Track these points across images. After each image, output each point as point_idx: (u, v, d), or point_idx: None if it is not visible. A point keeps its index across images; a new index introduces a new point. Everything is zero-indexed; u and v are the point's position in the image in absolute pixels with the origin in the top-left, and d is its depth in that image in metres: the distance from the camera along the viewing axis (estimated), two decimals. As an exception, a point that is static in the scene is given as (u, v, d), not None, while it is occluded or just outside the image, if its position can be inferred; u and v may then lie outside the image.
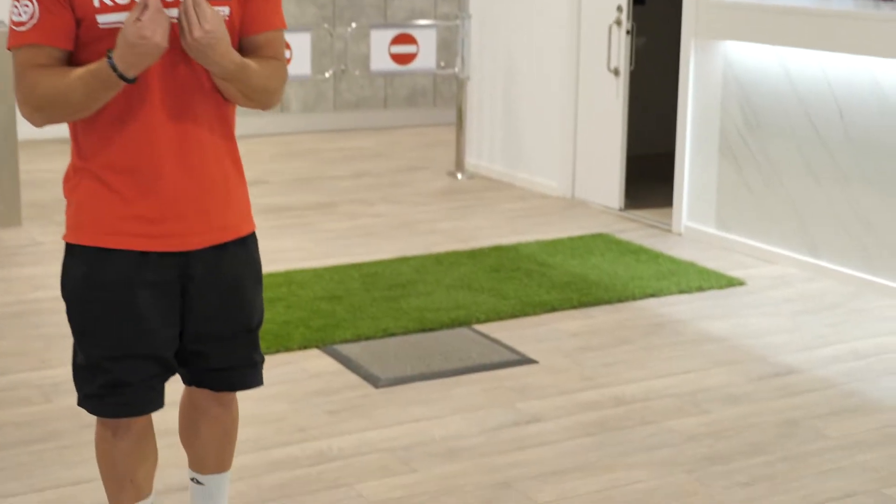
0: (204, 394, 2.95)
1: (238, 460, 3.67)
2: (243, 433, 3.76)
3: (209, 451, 3.02)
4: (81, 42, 2.59)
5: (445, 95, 10.42)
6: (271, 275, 5.66)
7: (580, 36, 7.34)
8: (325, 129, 10.02)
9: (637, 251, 6.22)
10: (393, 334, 4.94)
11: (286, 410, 4.17)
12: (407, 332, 4.97)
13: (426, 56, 8.13)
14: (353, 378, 4.48)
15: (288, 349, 4.75)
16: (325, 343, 4.82)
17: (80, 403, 2.80)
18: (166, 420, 3.88)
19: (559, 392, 4.37)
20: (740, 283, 5.72)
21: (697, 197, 6.55)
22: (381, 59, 8.04)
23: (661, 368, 4.61)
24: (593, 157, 7.36)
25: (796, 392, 4.39)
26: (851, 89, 5.64)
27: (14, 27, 2.57)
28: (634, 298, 5.46)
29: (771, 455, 3.86)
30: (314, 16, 9.68)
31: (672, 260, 6.07)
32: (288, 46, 7.62)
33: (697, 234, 6.55)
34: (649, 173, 7.68)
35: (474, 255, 6.11)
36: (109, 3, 2.55)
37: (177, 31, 2.58)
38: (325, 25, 8.65)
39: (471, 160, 8.36)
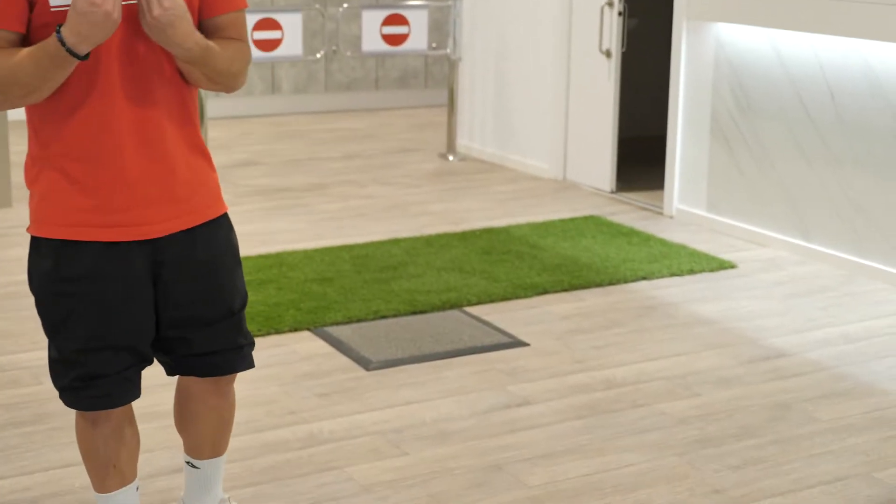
0: (200, 383, 2.92)
1: (229, 443, 3.66)
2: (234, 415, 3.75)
3: (206, 438, 3.00)
4: (33, 26, 2.55)
5: (437, 77, 10.39)
6: (262, 256, 5.65)
7: (572, 17, 7.32)
8: (317, 111, 9.99)
9: (628, 234, 6.21)
10: (384, 316, 4.94)
11: (277, 393, 4.17)
12: (398, 314, 4.96)
13: (418, 37, 8.10)
14: (344, 360, 4.48)
15: (279, 331, 4.75)
16: (315, 325, 4.82)
17: (59, 396, 2.79)
18: (156, 403, 3.89)
19: (550, 375, 4.37)
20: (731, 266, 5.72)
21: (689, 179, 6.55)
22: (372, 39, 8.01)
23: (652, 351, 4.62)
24: (585, 140, 7.35)
25: (787, 375, 4.40)
26: (843, 72, 5.63)
27: None
28: (626, 281, 5.45)
29: (762, 438, 3.86)
30: (305, -4, 9.65)
31: (663, 242, 6.07)
32: (279, 27, 7.59)
33: (689, 216, 6.54)
34: (641, 155, 7.67)
35: (465, 237, 6.10)
36: None
37: (135, 12, 2.55)
38: (317, 6, 8.61)
39: (462, 142, 8.34)
